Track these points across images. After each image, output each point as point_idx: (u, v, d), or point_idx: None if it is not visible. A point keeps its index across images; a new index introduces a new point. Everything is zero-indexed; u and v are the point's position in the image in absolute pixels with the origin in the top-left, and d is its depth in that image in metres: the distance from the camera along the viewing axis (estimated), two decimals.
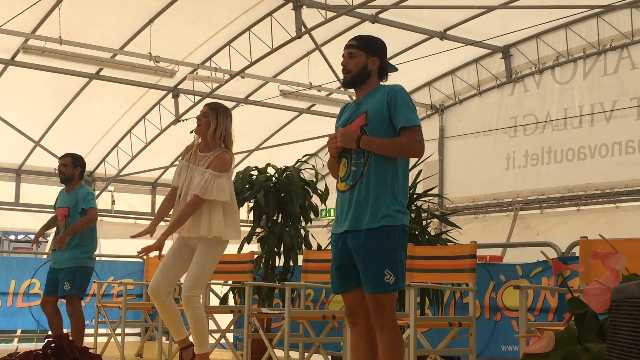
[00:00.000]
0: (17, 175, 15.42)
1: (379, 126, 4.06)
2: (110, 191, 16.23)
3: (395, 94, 4.08)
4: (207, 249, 5.67)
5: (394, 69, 4.38)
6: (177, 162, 15.72)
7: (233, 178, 9.43)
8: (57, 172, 7.40)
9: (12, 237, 21.67)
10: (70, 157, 7.31)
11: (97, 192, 16.15)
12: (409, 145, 4.02)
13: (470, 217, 14.62)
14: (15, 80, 13.21)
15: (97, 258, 13.51)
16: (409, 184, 7.68)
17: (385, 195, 4.02)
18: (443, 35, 12.93)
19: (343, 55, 4.26)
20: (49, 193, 15.65)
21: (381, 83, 4.28)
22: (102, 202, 16.19)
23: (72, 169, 7.26)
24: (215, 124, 5.77)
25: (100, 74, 13.39)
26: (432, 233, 7.72)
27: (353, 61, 4.18)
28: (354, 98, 4.32)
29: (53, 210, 7.47)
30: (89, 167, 16.03)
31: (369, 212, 4.01)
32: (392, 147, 4.02)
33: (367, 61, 4.18)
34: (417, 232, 7.34)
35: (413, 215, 7.54)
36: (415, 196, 7.70)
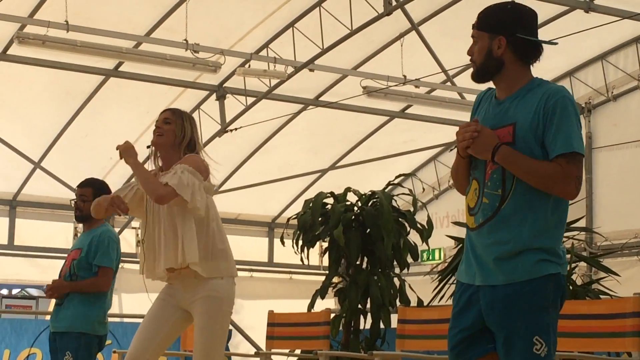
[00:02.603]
0: (10, 207, 15.75)
1: (529, 145, 3.95)
2: (135, 228, 16.45)
3: (555, 104, 3.93)
4: (210, 308, 5.61)
5: (550, 44, 4.20)
6: (225, 186, 15.89)
7: (300, 208, 9.50)
8: (72, 206, 7.48)
9: (5, 292, 22.15)
10: (91, 188, 7.35)
11: (117, 230, 16.41)
12: (560, 179, 3.88)
13: (633, 259, 14.36)
14: (8, 80, 13.54)
15: (118, 319, 13.74)
16: None
17: (532, 240, 3.97)
18: (589, 6, 12.79)
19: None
20: (54, 232, 15.96)
21: (535, 76, 4.12)
22: (124, 243, 16.29)
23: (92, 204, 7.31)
24: (182, 132, 5.76)
25: (119, 70, 13.64)
26: (579, 282, 7.62)
27: (476, 47, 4.13)
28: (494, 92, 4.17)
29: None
30: None
31: (509, 262, 3.97)
32: (537, 173, 3.89)
33: (491, 44, 4.09)
34: None
35: None
36: None
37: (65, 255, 7.61)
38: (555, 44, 4.32)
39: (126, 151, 5.71)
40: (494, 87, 4.20)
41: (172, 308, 5.73)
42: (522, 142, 3.95)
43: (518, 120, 3.98)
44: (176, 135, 5.72)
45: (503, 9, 4.13)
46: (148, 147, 5.88)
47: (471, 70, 4.19)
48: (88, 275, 7.21)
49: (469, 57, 4.16)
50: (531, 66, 4.12)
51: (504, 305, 3.95)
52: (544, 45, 4.12)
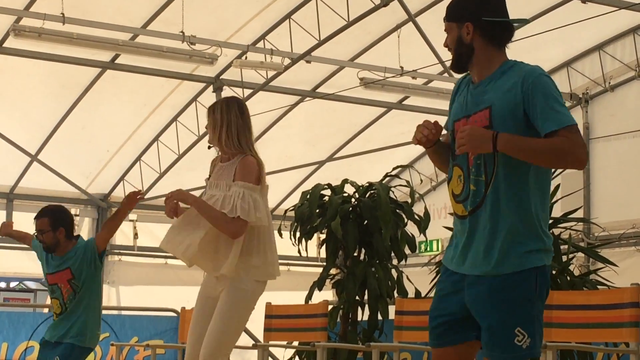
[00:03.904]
0: (8, 200, 15.79)
1: (507, 126, 3.94)
2: (132, 220, 16.47)
3: (534, 83, 3.91)
4: (234, 296, 5.67)
5: (521, 22, 4.25)
6: None
7: (298, 200, 9.50)
8: (36, 238, 7.39)
9: (3, 285, 22.17)
10: (46, 218, 7.20)
11: None
12: (571, 149, 3.86)
13: (630, 249, 14.37)
14: (4, 73, 13.54)
15: (116, 312, 13.76)
16: None
17: (519, 226, 3.96)
18: None
19: None
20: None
21: (509, 58, 4.13)
22: (121, 235, 16.43)
23: (52, 233, 7.16)
24: (218, 124, 5.83)
25: (116, 62, 13.63)
26: (577, 272, 7.62)
27: (449, 39, 4.17)
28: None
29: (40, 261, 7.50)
30: (103, 189, 16.34)
31: (497, 252, 3.96)
32: (547, 150, 3.87)
33: (460, 32, 4.11)
34: (555, 272, 7.26)
35: None
36: (551, 221, 7.61)
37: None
38: (526, 21, 4.36)
39: (181, 196, 5.77)
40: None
41: (213, 301, 5.77)
42: (500, 125, 3.96)
43: (494, 104, 3.99)
44: (215, 131, 5.83)
45: None
46: (209, 147, 6.04)
47: None
48: (92, 285, 7.15)
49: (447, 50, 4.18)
50: (506, 48, 4.13)
51: (488, 295, 3.96)
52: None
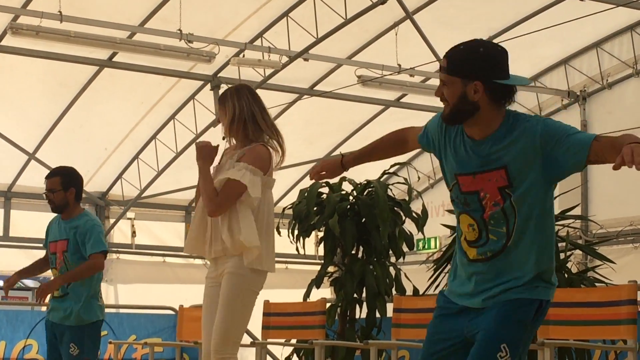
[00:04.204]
0: (5, 199, 15.79)
1: (524, 181, 3.98)
2: (130, 219, 16.47)
3: (547, 131, 3.92)
4: (232, 281, 5.64)
5: (522, 81, 4.12)
6: None
7: (296, 198, 9.50)
8: (45, 198, 7.41)
9: (0, 283, 22.18)
10: (58, 177, 7.24)
11: (112, 221, 16.42)
12: (611, 144, 3.89)
13: (628, 246, 14.39)
14: (1, 71, 13.54)
15: (114, 310, 13.76)
16: None
17: (529, 263, 4.02)
18: None
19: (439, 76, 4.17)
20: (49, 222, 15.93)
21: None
22: (119, 233, 16.44)
23: (63, 193, 7.18)
24: (230, 112, 5.76)
25: (113, 60, 13.63)
26: (574, 270, 7.62)
27: (446, 91, 3.99)
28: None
29: (44, 247, 7.49)
30: (101, 187, 16.34)
31: (505, 286, 4.03)
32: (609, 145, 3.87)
33: (465, 89, 3.94)
34: None
35: None
36: None
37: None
38: (527, 82, 4.32)
39: (199, 150, 5.74)
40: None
41: (218, 289, 5.73)
42: (518, 182, 3.97)
43: (509, 164, 3.97)
44: (228, 119, 5.73)
45: (475, 52, 3.97)
46: (223, 138, 5.90)
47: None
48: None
49: (439, 98, 4.05)
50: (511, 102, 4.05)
51: (489, 317, 4.01)
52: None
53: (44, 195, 7.31)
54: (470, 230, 4.11)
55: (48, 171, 7.55)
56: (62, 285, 7.10)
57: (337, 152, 16.37)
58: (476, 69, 3.93)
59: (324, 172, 4.56)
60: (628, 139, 3.76)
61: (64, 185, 7.13)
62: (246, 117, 5.72)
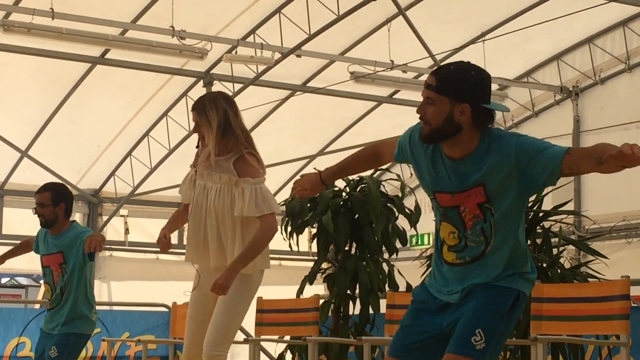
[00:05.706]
0: None
1: (505, 199, 4.04)
2: (123, 216, 16.47)
3: (520, 149, 3.98)
4: (240, 285, 5.70)
5: (503, 108, 4.27)
6: None
7: (288, 195, 9.49)
8: (34, 213, 7.40)
9: None
10: (49, 192, 7.24)
11: (105, 218, 16.42)
12: (587, 153, 3.97)
13: (621, 242, 14.41)
14: None
15: (107, 307, 13.75)
16: (533, 198, 7.67)
17: (505, 263, 4.11)
18: None
19: (422, 94, 4.19)
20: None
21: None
22: (112, 231, 16.43)
23: (53, 208, 7.21)
24: (214, 122, 5.74)
25: (105, 57, 13.62)
26: (567, 265, 7.62)
27: (431, 109, 4.04)
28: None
29: (35, 251, 7.51)
30: (94, 184, 16.32)
31: (483, 278, 4.10)
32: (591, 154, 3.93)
33: (452, 110, 3.98)
34: (545, 265, 7.26)
35: (539, 240, 7.47)
36: (542, 214, 7.63)
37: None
38: (507, 110, 4.45)
39: (225, 283, 5.67)
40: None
41: (209, 292, 5.74)
42: (496, 198, 4.04)
43: (487, 182, 4.03)
44: (214, 131, 5.72)
45: (467, 74, 4.02)
46: (197, 147, 5.91)
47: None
48: (82, 272, 7.16)
49: (419, 116, 4.09)
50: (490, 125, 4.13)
51: (468, 304, 4.06)
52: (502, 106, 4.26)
53: (34, 210, 7.30)
54: (451, 237, 4.18)
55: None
56: (59, 296, 7.14)
57: (330, 149, 16.39)
58: (467, 91, 3.98)
59: (306, 190, 4.64)
60: (602, 147, 3.83)
61: (54, 200, 7.16)
62: (226, 127, 5.72)
